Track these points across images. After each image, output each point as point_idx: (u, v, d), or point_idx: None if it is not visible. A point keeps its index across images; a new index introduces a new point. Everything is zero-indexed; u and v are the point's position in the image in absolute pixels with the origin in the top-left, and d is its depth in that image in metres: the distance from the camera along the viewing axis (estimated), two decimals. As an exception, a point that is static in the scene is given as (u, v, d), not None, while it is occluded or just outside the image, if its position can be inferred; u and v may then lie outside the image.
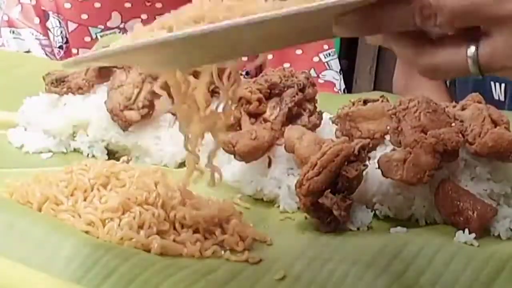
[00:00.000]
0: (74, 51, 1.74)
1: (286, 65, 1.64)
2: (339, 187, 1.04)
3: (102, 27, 1.72)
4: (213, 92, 1.25)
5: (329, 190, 1.02)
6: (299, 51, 1.75)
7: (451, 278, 0.90)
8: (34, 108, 1.25)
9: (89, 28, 1.73)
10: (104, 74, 1.24)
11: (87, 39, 1.73)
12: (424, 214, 1.07)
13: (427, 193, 1.06)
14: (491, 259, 0.94)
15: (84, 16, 1.72)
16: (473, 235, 1.00)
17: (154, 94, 1.19)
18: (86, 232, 0.91)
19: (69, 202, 0.95)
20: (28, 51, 1.73)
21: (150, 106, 1.19)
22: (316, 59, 1.76)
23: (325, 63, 1.77)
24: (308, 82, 1.19)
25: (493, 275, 0.91)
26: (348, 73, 3.06)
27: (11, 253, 0.86)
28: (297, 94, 1.17)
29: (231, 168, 1.15)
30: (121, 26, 1.72)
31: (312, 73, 1.74)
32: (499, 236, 1.02)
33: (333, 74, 1.79)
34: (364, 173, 1.06)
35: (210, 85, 1.25)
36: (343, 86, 1.82)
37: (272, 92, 1.19)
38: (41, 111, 1.25)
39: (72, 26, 1.73)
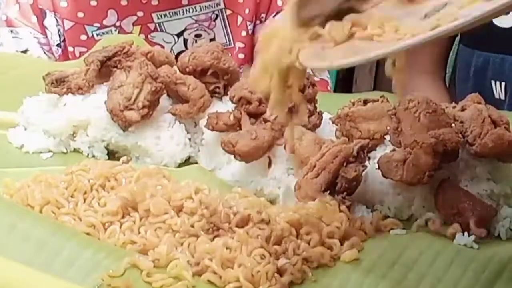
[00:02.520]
0: (70, 49, 1.74)
1: None
2: (338, 188, 1.04)
3: (98, 25, 1.72)
4: (213, 93, 1.25)
5: (329, 191, 1.02)
6: None
7: (451, 282, 0.90)
8: (34, 108, 1.25)
9: (85, 26, 1.72)
10: (104, 74, 1.24)
11: (83, 37, 1.72)
12: (423, 213, 1.07)
13: (427, 193, 1.06)
14: (491, 262, 0.94)
15: (80, 15, 1.72)
16: (473, 237, 1.00)
17: (154, 94, 1.19)
18: (87, 233, 0.92)
19: (70, 205, 0.95)
20: (26, 50, 1.73)
21: (150, 106, 1.19)
22: None
23: None
24: (308, 82, 1.19)
25: (493, 278, 0.91)
26: (348, 73, 3.05)
27: (13, 254, 0.86)
28: (297, 94, 1.17)
29: (231, 168, 1.15)
30: (117, 24, 1.72)
31: (308, 70, 1.74)
32: (499, 236, 1.02)
33: (326, 72, 1.79)
34: (364, 173, 1.06)
35: (211, 85, 1.25)
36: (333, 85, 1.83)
37: (272, 92, 1.18)
38: (41, 111, 1.25)
39: (68, 24, 1.73)
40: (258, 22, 1.75)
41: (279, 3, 1.75)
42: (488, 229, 1.02)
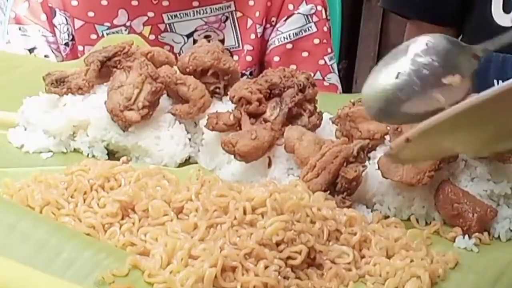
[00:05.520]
0: (80, 48, 1.74)
1: (293, 67, 1.64)
2: (338, 188, 1.04)
3: (109, 24, 1.72)
4: (213, 93, 1.26)
5: (329, 191, 1.02)
6: (305, 54, 1.76)
7: (452, 287, 0.90)
8: (34, 108, 1.25)
9: (96, 25, 1.72)
10: (104, 74, 1.24)
11: (93, 36, 1.72)
12: (424, 214, 1.07)
13: (427, 193, 1.07)
14: (491, 266, 0.94)
15: (91, 14, 1.72)
16: (473, 240, 1.00)
17: (154, 94, 1.19)
18: (88, 234, 0.92)
19: (70, 206, 0.95)
20: (33, 48, 1.73)
21: (150, 106, 1.19)
22: (321, 62, 1.77)
23: (330, 66, 1.78)
24: (308, 83, 1.19)
25: (493, 282, 0.91)
26: (348, 73, 3.06)
27: (12, 254, 0.86)
28: (297, 94, 1.17)
29: (231, 168, 1.15)
30: (128, 24, 1.72)
31: (318, 75, 1.75)
32: (499, 237, 1.03)
33: (335, 77, 1.80)
34: (364, 173, 1.06)
35: (211, 85, 1.25)
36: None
37: (272, 92, 1.19)
38: (41, 111, 1.25)
39: (78, 23, 1.73)
40: (268, 25, 1.75)
41: (290, 7, 1.75)
42: (487, 230, 1.03)
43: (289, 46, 1.75)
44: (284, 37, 1.75)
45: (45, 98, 1.26)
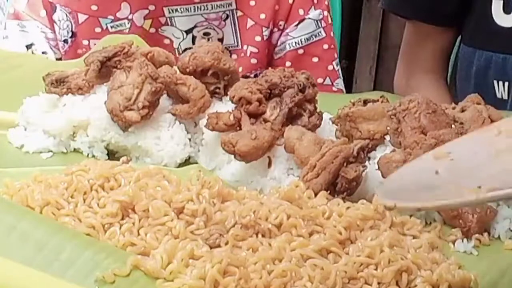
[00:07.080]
0: (85, 42, 1.74)
1: None
2: (338, 189, 1.04)
3: (112, 17, 1.72)
4: (213, 93, 1.26)
5: (329, 191, 1.02)
6: (315, 59, 1.76)
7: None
8: (34, 108, 1.25)
9: (99, 19, 1.73)
10: (104, 74, 1.24)
11: (98, 30, 1.73)
12: (424, 214, 1.07)
13: (427, 193, 1.06)
14: (490, 269, 0.94)
15: (94, 7, 1.72)
16: (472, 243, 1.00)
17: (154, 95, 1.19)
18: (88, 235, 0.92)
19: (69, 206, 0.95)
20: (31, 44, 1.73)
21: (150, 106, 1.19)
22: (330, 67, 1.78)
23: (337, 71, 1.79)
24: (308, 83, 1.19)
25: (493, 283, 0.91)
26: (348, 73, 3.05)
27: (12, 254, 0.86)
28: (297, 94, 1.17)
29: (231, 168, 1.15)
30: (130, 17, 1.73)
31: (327, 81, 1.75)
32: (499, 237, 1.03)
33: (341, 82, 1.81)
34: (364, 173, 1.06)
35: (211, 85, 1.25)
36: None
37: (272, 92, 1.19)
38: (41, 111, 1.25)
39: (82, 17, 1.73)
40: (275, 29, 1.76)
41: (300, 12, 1.75)
42: (487, 230, 1.03)
43: (301, 51, 1.76)
44: (295, 42, 1.75)
45: (45, 98, 1.26)
